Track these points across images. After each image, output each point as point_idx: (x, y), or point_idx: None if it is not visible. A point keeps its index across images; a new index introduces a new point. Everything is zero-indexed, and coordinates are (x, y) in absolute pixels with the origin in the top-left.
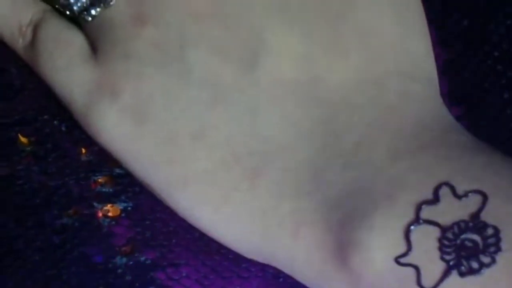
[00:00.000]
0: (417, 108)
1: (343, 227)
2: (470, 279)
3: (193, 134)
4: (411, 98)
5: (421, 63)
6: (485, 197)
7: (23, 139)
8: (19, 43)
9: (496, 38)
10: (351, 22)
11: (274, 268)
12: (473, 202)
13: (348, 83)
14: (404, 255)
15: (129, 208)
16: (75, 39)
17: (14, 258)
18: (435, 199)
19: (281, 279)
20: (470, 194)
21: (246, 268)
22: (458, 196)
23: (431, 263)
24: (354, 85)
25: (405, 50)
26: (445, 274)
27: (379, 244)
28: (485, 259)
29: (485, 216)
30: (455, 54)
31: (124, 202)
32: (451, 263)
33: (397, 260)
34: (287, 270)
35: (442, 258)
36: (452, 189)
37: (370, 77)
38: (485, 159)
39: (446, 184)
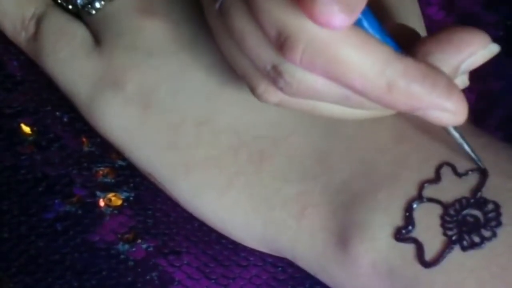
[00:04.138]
0: None
1: (347, 209)
2: (472, 253)
3: (199, 120)
4: None
5: None
6: (485, 174)
7: (25, 129)
8: (22, 36)
9: None
10: None
11: (273, 257)
12: (473, 180)
13: None
14: (407, 231)
15: (131, 198)
16: (78, 32)
17: (17, 243)
18: (436, 178)
19: (280, 269)
20: (470, 172)
21: (245, 257)
22: (458, 175)
23: (434, 240)
24: None
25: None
26: (448, 249)
27: (382, 223)
28: (486, 233)
29: (485, 193)
30: None
31: (126, 192)
32: (453, 238)
33: (399, 237)
34: (288, 254)
35: (444, 234)
36: (453, 168)
37: None
38: (484, 141)
39: (447, 163)
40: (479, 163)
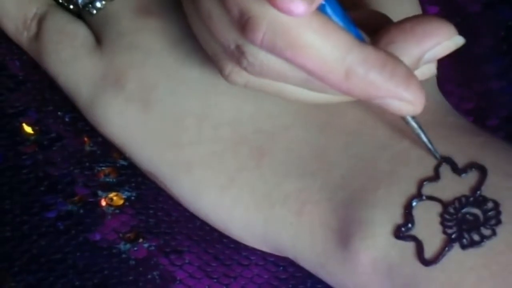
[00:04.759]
0: None
1: (347, 206)
2: (471, 251)
3: (199, 116)
4: None
5: None
6: (484, 173)
7: (27, 128)
8: (24, 36)
9: None
10: None
11: (275, 257)
12: (472, 178)
13: None
14: (406, 229)
15: (132, 198)
16: (80, 32)
17: (20, 243)
18: (435, 176)
19: (281, 268)
20: (469, 170)
21: (247, 257)
22: (458, 173)
23: (433, 238)
24: None
25: None
26: (447, 247)
27: (382, 220)
28: (486, 232)
29: (485, 191)
30: None
31: (128, 191)
32: (453, 236)
33: (399, 234)
34: (289, 252)
35: (444, 232)
36: (452, 166)
37: None
38: (483, 139)
39: (446, 161)
40: (436, 154)
